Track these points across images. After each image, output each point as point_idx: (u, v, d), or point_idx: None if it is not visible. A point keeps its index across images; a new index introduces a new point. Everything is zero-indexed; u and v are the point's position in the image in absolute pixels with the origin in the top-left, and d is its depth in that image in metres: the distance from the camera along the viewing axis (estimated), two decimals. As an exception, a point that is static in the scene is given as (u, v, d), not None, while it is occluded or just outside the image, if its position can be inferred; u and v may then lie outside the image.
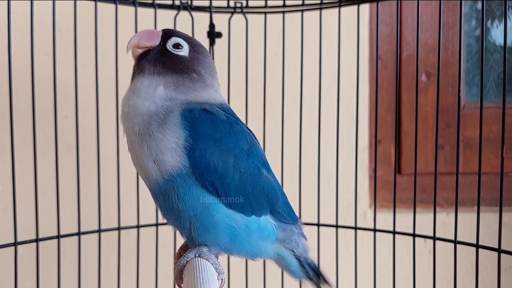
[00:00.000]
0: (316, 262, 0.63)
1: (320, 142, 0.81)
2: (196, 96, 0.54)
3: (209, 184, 0.51)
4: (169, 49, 0.55)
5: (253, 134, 0.57)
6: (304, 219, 0.85)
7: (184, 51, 0.56)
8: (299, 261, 0.60)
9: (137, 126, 0.52)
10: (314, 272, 0.62)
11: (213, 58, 0.82)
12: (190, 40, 0.57)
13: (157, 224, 0.80)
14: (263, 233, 0.56)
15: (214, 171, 0.51)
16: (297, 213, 0.63)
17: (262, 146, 0.80)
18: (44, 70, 0.77)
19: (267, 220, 0.56)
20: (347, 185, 1.00)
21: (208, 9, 0.80)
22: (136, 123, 0.52)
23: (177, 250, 0.61)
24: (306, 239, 0.61)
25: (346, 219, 0.98)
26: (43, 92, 0.81)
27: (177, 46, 0.55)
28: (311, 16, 0.83)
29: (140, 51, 0.55)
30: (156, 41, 0.55)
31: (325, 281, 0.63)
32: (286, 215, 0.58)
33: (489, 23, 1.11)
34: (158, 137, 0.50)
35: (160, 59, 0.54)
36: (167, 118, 0.51)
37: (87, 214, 0.79)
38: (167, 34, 0.56)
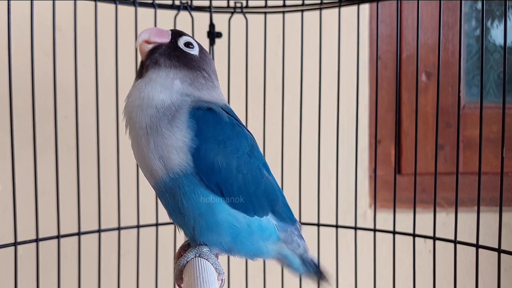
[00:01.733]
0: (316, 259, 0.63)
1: (320, 142, 0.81)
2: (207, 94, 0.55)
3: (214, 185, 0.51)
4: (180, 46, 0.55)
5: (252, 136, 0.58)
6: (304, 219, 0.86)
7: (195, 51, 0.56)
8: (301, 259, 0.61)
9: (149, 118, 0.51)
10: (315, 269, 0.63)
11: (213, 58, 0.82)
12: (197, 42, 0.58)
13: (157, 224, 0.80)
14: (264, 233, 0.56)
15: (218, 172, 0.51)
16: (297, 213, 0.63)
17: (262, 146, 0.80)
18: (44, 70, 0.77)
19: (269, 221, 0.56)
20: (347, 185, 1.00)
21: (208, 9, 0.80)
22: (148, 115, 0.51)
23: (177, 250, 0.61)
24: (304, 240, 0.61)
25: (346, 219, 0.98)
26: (43, 92, 0.81)
27: (188, 44, 0.56)
28: (311, 16, 0.83)
29: (150, 46, 0.55)
30: (167, 38, 0.55)
31: (325, 277, 0.64)
32: (285, 216, 0.58)
33: (489, 23, 1.11)
34: (165, 133, 0.50)
35: (174, 54, 0.55)
36: (176, 115, 0.51)
37: (87, 214, 0.79)
38: (176, 33, 0.57)
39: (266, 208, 0.56)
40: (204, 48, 0.59)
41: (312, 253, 0.63)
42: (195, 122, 0.51)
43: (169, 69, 0.54)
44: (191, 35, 0.59)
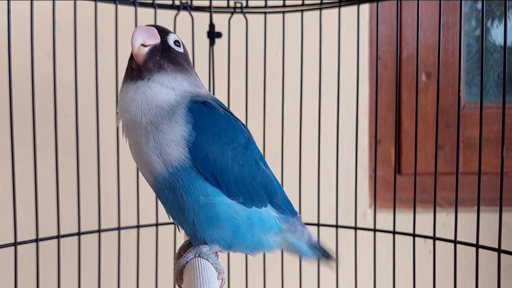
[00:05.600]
0: (321, 243, 0.64)
1: (320, 142, 0.81)
2: (205, 90, 0.57)
3: (210, 175, 0.52)
4: (172, 46, 0.56)
5: (248, 131, 0.58)
6: (304, 219, 0.85)
7: (181, 48, 0.57)
8: (308, 244, 0.62)
9: (153, 117, 0.52)
10: (321, 251, 0.64)
11: (213, 58, 0.83)
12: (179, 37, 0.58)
13: (157, 224, 0.80)
14: (264, 225, 0.56)
15: (213, 162, 0.52)
16: (297, 211, 0.63)
17: (262, 146, 0.80)
18: (44, 70, 0.77)
19: (269, 213, 0.57)
20: (347, 185, 1.00)
21: (208, 9, 0.80)
22: (153, 115, 0.52)
23: (177, 251, 0.61)
24: (306, 228, 0.62)
25: (346, 219, 0.98)
26: (43, 92, 0.81)
27: (176, 43, 0.56)
28: (311, 16, 0.83)
29: (146, 49, 0.54)
30: (158, 39, 0.55)
31: (331, 257, 0.65)
32: (285, 208, 0.59)
33: (489, 23, 1.11)
34: (165, 129, 0.51)
35: (172, 56, 0.55)
36: (175, 111, 0.52)
37: (87, 214, 0.79)
38: (162, 31, 0.56)
39: (264, 199, 0.56)
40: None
41: (315, 237, 0.64)
42: (192, 115, 0.52)
43: (176, 73, 0.55)
44: (174, 31, 0.58)
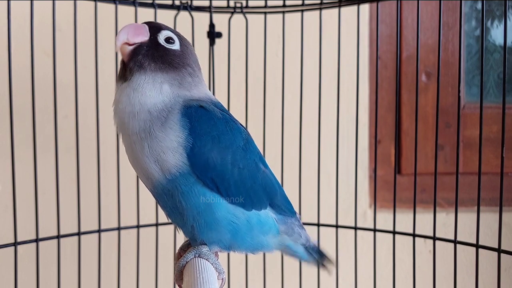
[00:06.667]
0: (317, 244, 0.64)
1: (320, 142, 0.81)
2: (197, 92, 0.54)
3: (210, 181, 0.51)
4: (162, 43, 0.53)
5: (246, 130, 0.57)
6: (304, 219, 0.85)
7: (176, 45, 0.54)
8: (304, 247, 0.61)
9: (142, 123, 0.50)
10: (318, 255, 0.63)
11: (213, 58, 0.82)
12: (177, 34, 0.56)
13: (157, 224, 0.80)
14: (263, 227, 0.56)
15: (213, 168, 0.51)
16: (296, 211, 0.63)
17: (262, 147, 0.80)
18: (44, 70, 0.77)
19: (268, 215, 0.56)
20: (347, 185, 1.00)
21: (208, 9, 0.80)
22: (142, 120, 0.50)
23: (177, 251, 0.61)
24: (305, 229, 0.62)
25: (346, 219, 0.98)
26: (43, 92, 0.81)
27: (168, 40, 0.54)
28: (311, 16, 0.83)
29: (131, 48, 0.52)
30: (146, 36, 0.53)
31: (328, 260, 0.65)
32: (284, 208, 0.58)
33: (489, 23, 1.11)
34: (159, 136, 0.50)
35: (157, 54, 0.53)
36: (168, 116, 0.50)
37: (87, 214, 0.79)
38: (154, 27, 0.54)
39: (265, 201, 0.56)
40: (185, 38, 0.57)
41: (314, 240, 0.64)
42: (188, 120, 0.50)
43: (155, 73, 0.52)
44: (168, 26, 0.56)
